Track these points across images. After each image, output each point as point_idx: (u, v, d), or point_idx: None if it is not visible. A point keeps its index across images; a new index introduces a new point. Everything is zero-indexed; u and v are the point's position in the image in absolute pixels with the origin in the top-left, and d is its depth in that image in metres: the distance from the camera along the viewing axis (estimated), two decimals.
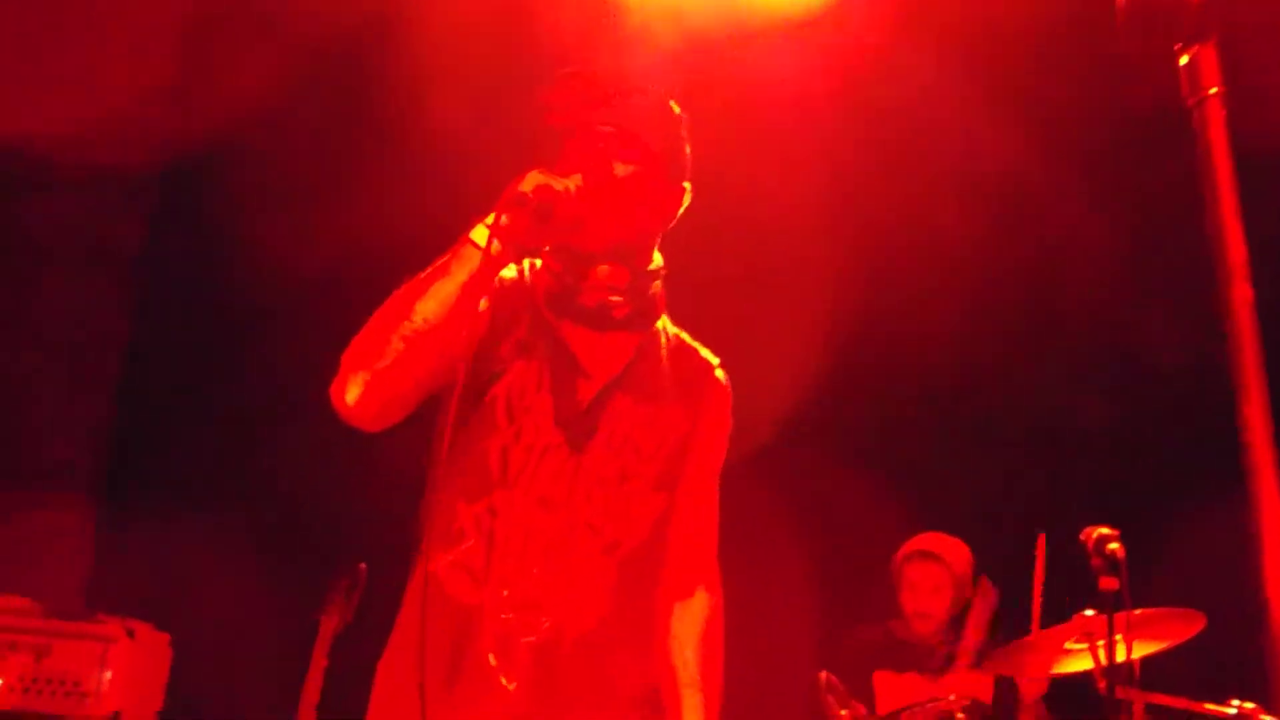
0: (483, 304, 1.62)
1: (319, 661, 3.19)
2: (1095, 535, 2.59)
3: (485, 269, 1.53)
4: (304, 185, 4.14)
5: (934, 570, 3.28)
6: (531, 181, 1.53)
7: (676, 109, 1.78)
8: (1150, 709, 2.70)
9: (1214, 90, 1.01)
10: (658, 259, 1.77)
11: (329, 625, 3.21)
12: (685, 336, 1.85)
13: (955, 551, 3.29)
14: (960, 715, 2.61)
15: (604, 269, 1.69)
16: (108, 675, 3.33)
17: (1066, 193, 3.86)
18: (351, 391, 1.55)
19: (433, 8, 3.70)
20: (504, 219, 1.50)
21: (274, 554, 3.86)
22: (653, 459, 1.69)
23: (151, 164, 4.45)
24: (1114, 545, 2.57)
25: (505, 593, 1.59)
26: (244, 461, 4.18)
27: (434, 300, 1.54)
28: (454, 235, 1.58)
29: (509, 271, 1.72)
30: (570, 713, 1.59)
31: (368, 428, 1.60)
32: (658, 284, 1.77)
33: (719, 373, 1.83)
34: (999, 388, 3.98)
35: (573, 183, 1.57)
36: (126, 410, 4.40)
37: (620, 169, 1.67)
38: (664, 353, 1.77)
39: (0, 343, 4.24)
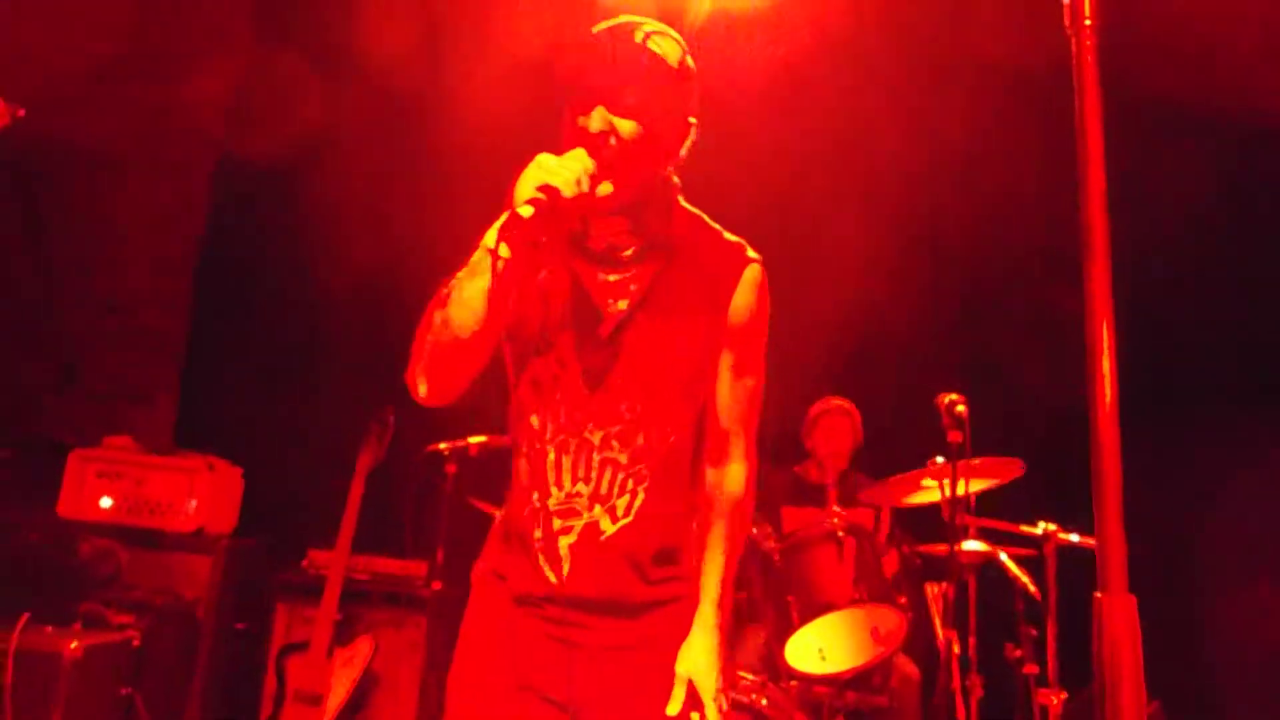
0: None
1: (356, 492, 3.69)
2: (946, 400, 3.19)
3: (503, 274, 1.55)
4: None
5: (845, 423, 4.10)
6: (530, 185, 1.52)
7: (679, 48, 1.71)
8: (981, 530, 3.44)
9: (1088, 22, 1.12)
10: (675, 181, 1.77)
11: (364, 462, 3.72)
12: (716, 236, 1.81)
13: (856, 412, 4.13)
14: (841, 533, 3.35)
15: (613, 224, 1.71)
16: (193, 501, 3.93)
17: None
18: (420, 388, 1.64)
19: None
20: (506, 240, 1.53)
21: (326, 401, 4.38)
22: (676, 367, 1.71)
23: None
24: (960, 407, 3.18)
25: (548, 502, 1.69)
26: (304, 326, 4.65)
27: (463, 308, 1.58)
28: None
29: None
30: (609, 598, 1.68)
31: (441, 404, 1.67)
32: (678, 207, 1.77)
33: (751, 259, 1.78)
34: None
35: (575, 167, 1.56)
36: (204, 286, 4.90)
37: (624, 126, 1.64)
38: (682, 271, 1.75)
39: (95, 234, 4.85)
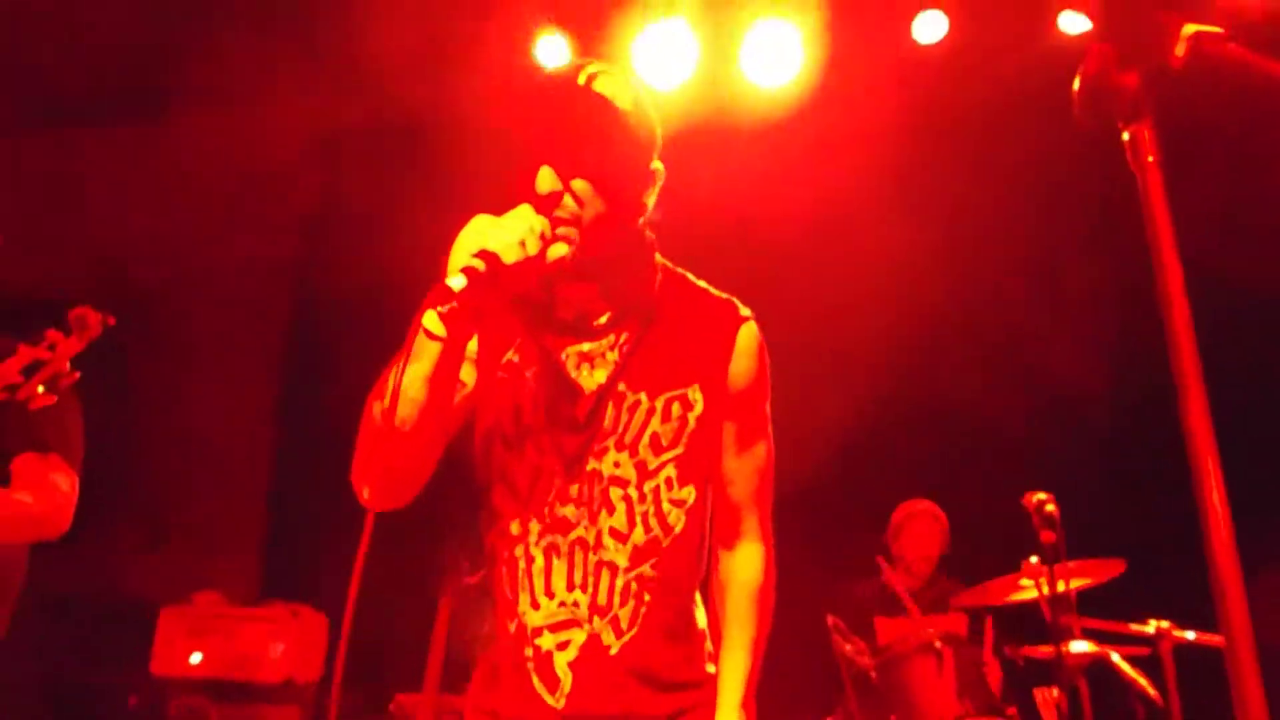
0: (471, 378, 1.51)
1: (440, 633, 3.82)
2: (1035, 499, 3.01)
3: (445, 355, 1.38)
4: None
5: (932, 525, 3.98)
6: (464, 252, 1.35)
7: (630, 86, 1.54)
8: (1086, 631, 3.28)
9: (1151, 159, 1.09)
10: (648, 236, 1.60)
11: (446, 603, 3.87)
12: (707, 288, 1.64)
13: (943, 515, 4.02)
14: (938, 643, 3.24)
15: (579, 290, 1.54)
16: (279, 648, 3.99)
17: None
18: (364, 492, 1.44)
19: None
20: (441, 317, 1.35)
21: (410, 546, 4.41)
22: (673, 446, 1.51)
23: None
24: (1050, 507, 3.01)
25: (535, 616, 1.49)
26: None
27: (403, 399, 1.34)
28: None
29: None
30: (621, 717, 1.48)
31: (390, 509, 1.47)
32: (651, 265, 1.59)
33: (747, 327, 1.60)
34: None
35: (518, 228, 1.37)
36: (288, 435, 5.01)
37: (577, 185, 1.46)
38: (669, 326, 1.57)
39: (179, 383, 5.00)
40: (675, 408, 1.53)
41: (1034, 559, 3.13)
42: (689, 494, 1.52)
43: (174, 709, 3.89)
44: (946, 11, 4.17)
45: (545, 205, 1.44)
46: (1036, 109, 3.79)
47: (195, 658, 4.02)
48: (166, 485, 4.95)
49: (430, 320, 1.37)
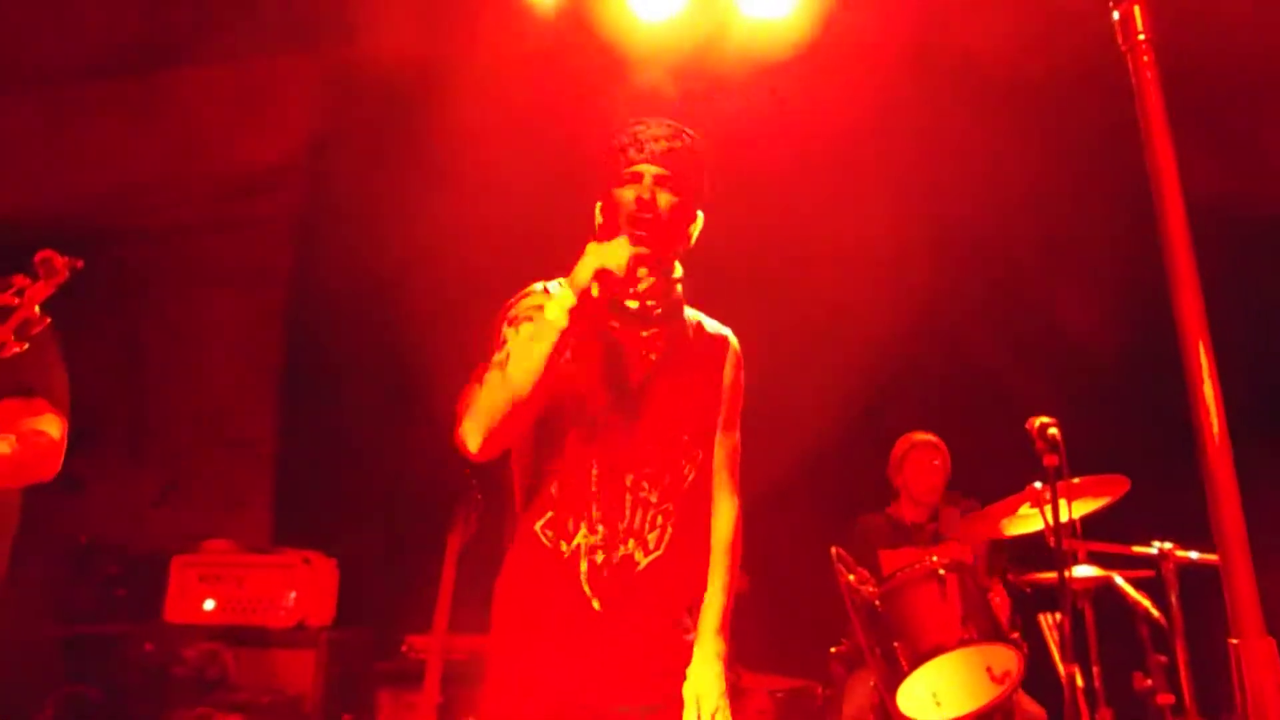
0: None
1: (449, 574, 3.78)
2: (1037, 423, 2.97)
3: (560, 342, 1.79)
4: None
5: (934, 457, 3.94)
6: (588, 269, 1.79)
7: (704, 148, 2.04)
8: (1090, 554, 3.23)
9: (1141, 37, 1.10)
10: (679, 269, 2.08)
11: (455, 543, 3.82)
12: (703, 319, 2.14)
13: (943, 445, 3.97)
14: (942, 570, 3.21)
15: (645, 281, 1.98)
16: (292, 594, 4.02)
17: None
18: (473, 443, 1.83)
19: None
20: (573, 314, 1.78)
21: (413, 488, 4.41)
22: (688, 420, 2.00)
23: None
24: (1053, 430, 2.96)
25: (592, 538, 1.89)
26: (386, 426, 4.73)
27: (524, 371, 1.79)
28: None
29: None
30: (644, 622, 1.90)
31: (485, 460, 1.87)
32: (679, 287, 2.08)
33: (732, 341, 2.14)
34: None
35: (624, 253, 1.80)
36: (291, 395, 5.04)
37: (664, 199, 1.94)
38: (689, 337, 2.07)
39: (186, 351, 4.99)
40: (693, 393, 2.05)
41: (1038, 484, 3.10)
42: (698, 453, 2.04)
43: (192, 654, 3.91)
44: None
45: (638, 211, 1.93)
46: (1043, 37, 3.72)
47: (208, 604, 4.04)
48: (177, 448, 4.96)
49: (554, 312, 1.81)
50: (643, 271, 1.92)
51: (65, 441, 2.08)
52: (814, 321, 4.40)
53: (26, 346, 1.76)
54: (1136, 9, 1.05)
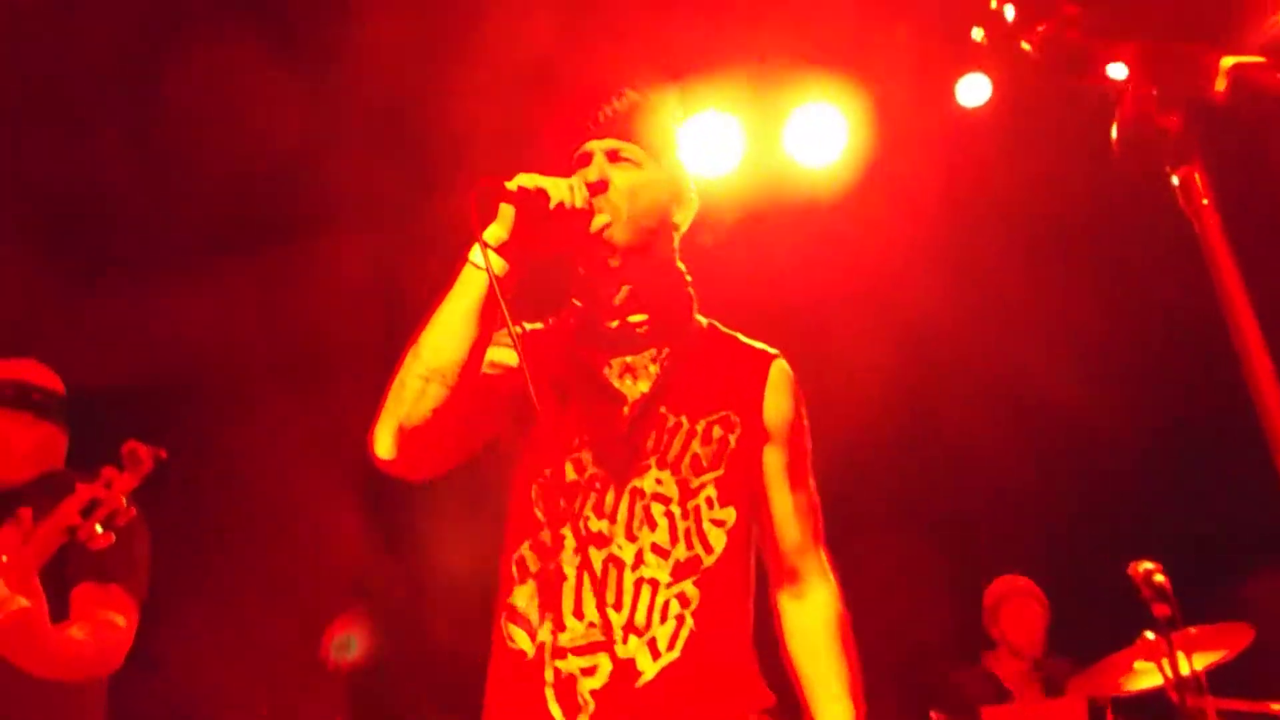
0: (514, 359, 1.47)
1: None
2: (1141, 569, 2.78)
3: (491, 296, 1.39)
4: None
5: (1034, 605, 3.67)
6: (517, 182, 1.41)
7: (667, 107, 1.66)
8: (1222, 714, 2.89)
9: (1205, 202, 1.03)
10: (680, 266, 1.65)
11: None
12: (739, 336, 1.67)
13: (1041, 591, 3.71)
14: None
15: (622, 292, 1.57)
16: None
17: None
18: (381, 443, 1.41)
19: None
20: (487, 230, 1.40)
21: None
22: (714, 467, 1.49)
23: None
24: (1159, 576, 2.77)
25: (561, 638, 1.40)
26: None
27: (442, 331, 1.39)
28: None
29: (535, 325, 1.64)
30: None
31: (408, 477, 1.48)
32: (688, 291, 1.64)
33: (778, 363, 1.62)
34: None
35: (564, 181, 1.44)
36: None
37: (619, 175, 1.54)
38: (706, 356, 1.59)
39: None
40: (716, 430, 1.51)
41: (1149, 634, 2.87)
42: (730, 515, 1.48)
43: None
44: (988, 73, 4.07)
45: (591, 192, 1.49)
46: (1086, 163, 3.71)
47: None
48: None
49: (475, 253, 1.39)
50: (602, 219, 1.49)
51: (133, 633, 2.06)
52: (872, 459, 4.28)
53: (114, 538, 1.80)
54: (1196, 176, 0.98)
